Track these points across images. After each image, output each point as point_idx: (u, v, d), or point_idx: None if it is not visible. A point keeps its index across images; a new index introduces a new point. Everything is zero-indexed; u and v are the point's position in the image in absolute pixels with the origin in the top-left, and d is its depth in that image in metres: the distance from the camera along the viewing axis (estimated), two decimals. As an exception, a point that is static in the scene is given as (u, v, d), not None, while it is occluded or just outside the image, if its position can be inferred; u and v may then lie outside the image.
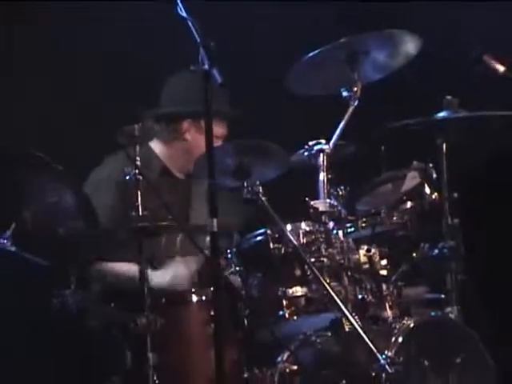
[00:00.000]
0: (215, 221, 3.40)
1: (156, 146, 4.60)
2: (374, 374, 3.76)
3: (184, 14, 3.42)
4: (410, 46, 4.32)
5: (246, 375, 3.93)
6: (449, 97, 4.36)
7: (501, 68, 4.50)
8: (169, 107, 4.61)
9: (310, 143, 4.24)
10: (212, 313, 3.74)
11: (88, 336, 3.99)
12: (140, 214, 3.88)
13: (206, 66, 3.41)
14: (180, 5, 3.43)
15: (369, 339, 3.74)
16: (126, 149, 3.97)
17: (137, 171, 3.87)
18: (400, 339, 3.86)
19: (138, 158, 3.91)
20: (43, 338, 4.18)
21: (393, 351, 3.80)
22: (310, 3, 5.13)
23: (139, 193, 3.88)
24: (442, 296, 4.27)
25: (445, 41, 4.74)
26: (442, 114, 4.35)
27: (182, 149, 4.59)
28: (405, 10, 5.05)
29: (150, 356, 3.79)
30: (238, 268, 4.05)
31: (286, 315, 3.95)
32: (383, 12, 5.01)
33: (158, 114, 4.57)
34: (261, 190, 3.98)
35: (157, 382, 3.79)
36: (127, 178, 3.90)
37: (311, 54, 4.22)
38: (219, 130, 4.31)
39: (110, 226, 4.18)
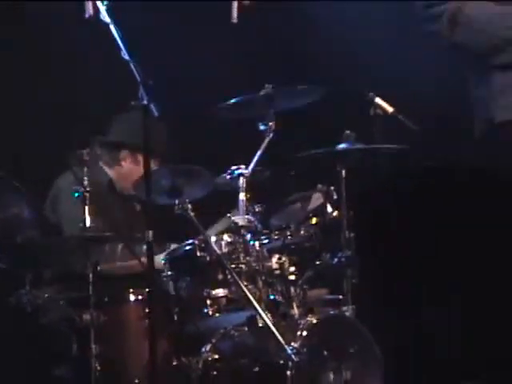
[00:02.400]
0: (151, 232, 3.42)
1: (105, 165, 4.63)
2: (282, 362, 3.77)
3: (127, 57, 3.44)
4: (315, 94, 4.36)
5: (174, 363, 3.91)
6: (348, 131, 4.40)
7: (390, 109, 4.59)
8: (113, 137, 4.63)
9: (232, 168, 4.24)
10: (147, 310, 3.76)
11: (40, 330, 3.95)
12: (87, 225, 3.88)
13: (145, 102, 3.43)
14: (123, 50, 3.45)
15: (278, 333, 3.74)
16: (73, 170, 3.98)
17: (85, 189, 3.88)
18: (304, 333, 3.87)
19: (85, 178, 3.91)
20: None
21: (298, 343, 3.81)
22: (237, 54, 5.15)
23: (86, 207, 3.89)
24: (340, 297, 4.28)
25: (343, 86, 4.78)
26: (341, 146, 4.39)
27: (119, 173, 4.61)
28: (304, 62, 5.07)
29: (93, 347, 3.77)
30: (169, 272, 4.03)
31: (210, 312, 3.94)
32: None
33: (102, 141, 4.60)
34: (190, 207, 3.97)
35: (98, 369, 3.77)
36: (76, 194, 3.90)
37: (236, 96, 4.22)
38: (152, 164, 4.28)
39: (71, 232, 4.16)
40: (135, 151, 4.53)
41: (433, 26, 3.05)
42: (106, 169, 4.64)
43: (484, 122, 3.08)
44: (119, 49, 3.42)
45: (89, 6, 3.52)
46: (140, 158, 4.43)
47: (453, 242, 2.97)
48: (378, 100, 4.59)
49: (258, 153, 4.26)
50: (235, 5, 4.20)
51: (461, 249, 2.96)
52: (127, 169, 4.60)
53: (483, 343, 2.96)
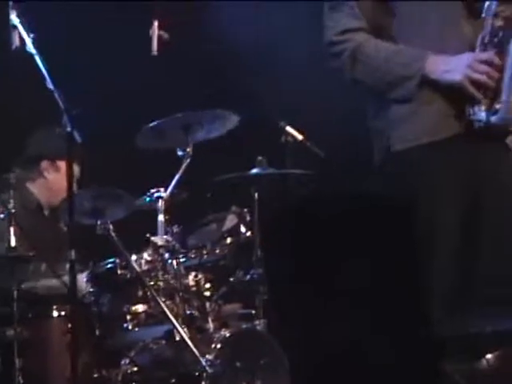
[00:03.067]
0: (73, 251, 3.44)
1: (30, 185, 4.60)
2: (197, 373, 3.80)
3: (51, 87, 3.47)
4: (230, 120, 4.40)
5: (95, 376, 3.91)
6: (260, 157, 4.48)
7: (300, 136, 4.70)
8: (30, 151, 4.60)
9: (152, 191, 4.27)
10: (69, 325, 3.76)
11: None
12: (12, 245, 3.89)
13: (69, 129, 3.47)
14: (48, 79, 3.47)
15: (194, 346, 3.77)
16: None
17: (10, 211, 3.88)
18: (218, 346, 3.90)
19: (11, 200, 3.91)
20: None
21: (212, 355, 3.84)
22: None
23: (11, 229, 3.89)
24: (252, 312, 4.35)
25: (257, 114, 4.85)
26: (254, 171, 4.47)
27: (45, 187, 4.59)
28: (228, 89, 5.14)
29: (16, 361, 3.76)
30: (92, 289, 4.04)
31: (130, 327, 3.94)
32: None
33: (21, 159, 4.58)
34: (111, 227, 3.99)
35: (22, 382, 3.75)
36: (2, 216, 3.90)
37: (155, 123, 4.24)
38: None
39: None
40: (54, 158, 4.51)
41: (336, 62, 3.14)
42: (32, 188, 4.59)
43: (382, 151, 3.14)
44: (44, 79, 3.45)
45: (15, 37, 3.54)
46: (60, 164, 4.44)
47: (352, 262, 3.08)
48: (288, 128, 4.71)
49: (176, 177, 4.28)
50: (155, 38, 4.26)
51: (361, 268, 3.07)
52: (51, 179, 4.54)
53: (389, 356, 3.06)
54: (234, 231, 4.41)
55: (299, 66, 4.76)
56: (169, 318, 3.83)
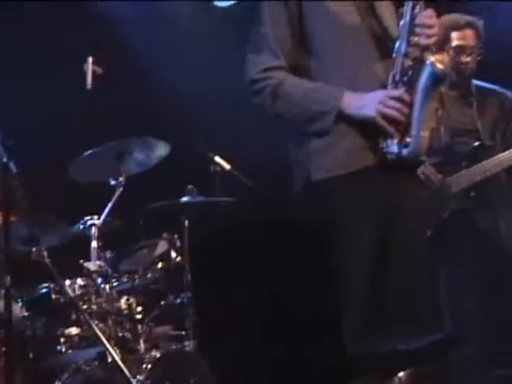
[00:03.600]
0: (8, 277, 3.44)
1: None
2: (129, 393, 3.78)
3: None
4: (161, 149, 4.46)
5: (29, 396, 3.87)
6: (190, 186, 4.52)
7: (227, 166, 4.76)
8: None
9: (86, 218, 4.28)
10: (3, 348, 3.75)
11: None
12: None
13: (4, 159, 3.47)
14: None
15: (125, 367, 3.77)
16: None
17: None
18: (149, 366, 3.93)
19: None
20: None
21: (143, 376, 3.87)
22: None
23: None
24: (183, 333, 4.37)
25: (189, 145, 4.89)
26: (184, 199, 4.50)
27: None
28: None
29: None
30: (26, 313, 4.00)
31: (63, 349, 3.94)
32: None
33: None
34: (46, 254, 3.96)
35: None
36: None
37: (88, 153, 4.26)
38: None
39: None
40: None
41: (257, 98, 3.20)
42: None
43: (302, 181, 3.19)
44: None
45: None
46: None
47: (272, 286, 3.14)
48: (217, 158, 4.76)
49: (109, 205, 4.30)
50: (89, 72, 4.29)
51: (281, 292, 3.13)
52: None
53: (308, 376, 3.12)
54: (164, 256, 4.42)
55: (227, 99, 4.82)
56: (101, 341, 3.83)
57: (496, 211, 4.04)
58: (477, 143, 4.05)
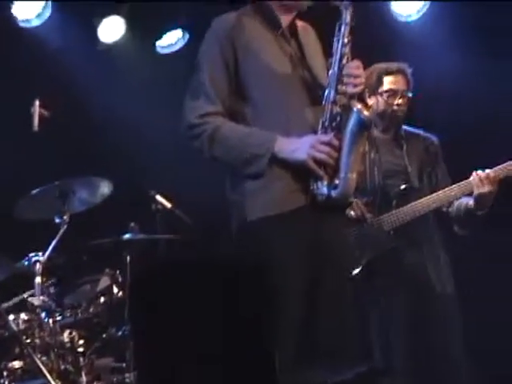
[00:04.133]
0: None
1: None
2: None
3: None
4: (104, 188, 4.48)
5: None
6: (132, 223, 4.54)
7: (168, 205, 4.78)
8: None
9: (30, 254, 4.26)
10: None
11: None
12: None
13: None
14: None
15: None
16: None
17: None
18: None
19: None
20: None
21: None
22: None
23: None
24: (123, 365, 4.33)
25: (131, 184, 4.92)
26: (127, 236, 4.52)
27: None
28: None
29: None
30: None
31: (6, 383, 3.89)
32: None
33: None
34: None
35: None
36: None
37: (34, 192, 4.26)
38: None
39: None
40: None
41: (196, 142, 3.25)
42: None
43: (238, 221, 3.23)
44: None
45: None
46: None
47: (207, 323, 3.17)
48: (158, 197, 4.78)
49: (54, 242, 4.28)
50: (36, 115, 4.30)
51: (216, 330, 3.16)
52: None
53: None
54: (106, 291, 4.41)
55: (168, 141, 4.86)
56: (43, 374, 3.81)
57: (422, 249, 4.12)
58: (406, 185, 4.15)
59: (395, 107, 4.20)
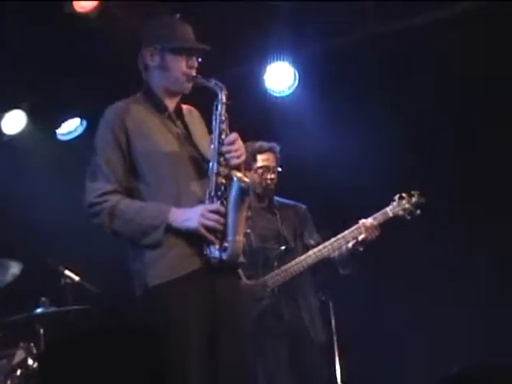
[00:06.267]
0: None
1: None
2: None
3: None
4: (15, 268, 4.44)
5: None
6: (43, 298, 4.49)
7: (76, 278, 4.74)
8: None
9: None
10: None
11: None
12: None
13: None
14: None
15: None
16: None
17: None
18: None
19: None
20: None
21: None
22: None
23: None
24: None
25: (40, 261, 4.85)
26: (38, 310, 4.47)
27: None
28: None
29: None
30: None
31: None
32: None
33: None
34: None
35: None
36: None
37: None
38: None
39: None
40: None
41: (96, 219, 3.29)
42: None
43: (141, 288, 3.28)
44: None
45: None
46: None
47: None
48: (66, 271, 4.76)
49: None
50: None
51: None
52: None
53: None
54: (22, 364, 4.33)
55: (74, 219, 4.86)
56: None
57: (298, 302, 4.26)
58: (283, 247, 4.30)
59: (269, 181, 4.41)
